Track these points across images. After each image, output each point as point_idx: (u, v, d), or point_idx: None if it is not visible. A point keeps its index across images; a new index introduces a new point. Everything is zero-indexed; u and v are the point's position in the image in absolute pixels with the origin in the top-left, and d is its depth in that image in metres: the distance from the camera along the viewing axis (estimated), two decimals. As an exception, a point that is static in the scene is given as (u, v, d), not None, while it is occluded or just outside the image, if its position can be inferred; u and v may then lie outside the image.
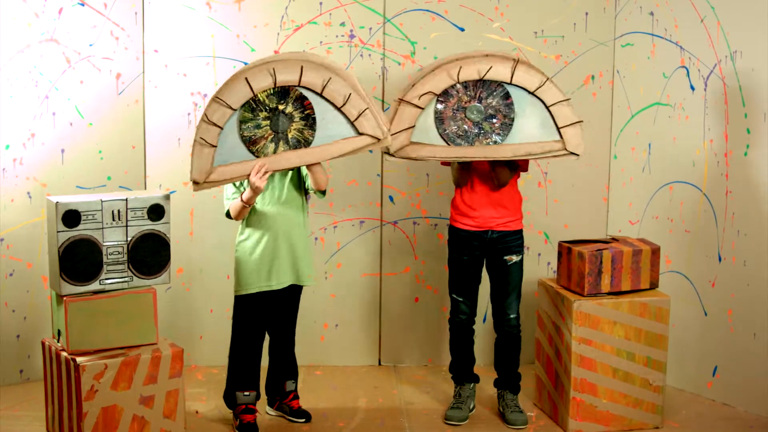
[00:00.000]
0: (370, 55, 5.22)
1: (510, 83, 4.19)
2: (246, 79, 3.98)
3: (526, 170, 4.48)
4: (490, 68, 4.18)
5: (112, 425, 3.93)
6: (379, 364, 5.42)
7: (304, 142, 4.05)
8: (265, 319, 4.37)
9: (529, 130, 4.20)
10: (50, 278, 4.08)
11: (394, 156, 4.23)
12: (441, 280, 5.34)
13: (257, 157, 4.02)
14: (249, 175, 4.01)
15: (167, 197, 4.08)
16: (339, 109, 4.05)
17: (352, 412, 4.68)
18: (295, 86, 4.02)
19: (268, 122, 4.02)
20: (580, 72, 5.24)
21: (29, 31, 4.84)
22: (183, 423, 4.11)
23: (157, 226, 4.09)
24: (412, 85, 4.23)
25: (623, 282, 4.41)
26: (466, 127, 4.19)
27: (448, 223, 4.55)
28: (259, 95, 4.00)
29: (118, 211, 4.01)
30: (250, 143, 4.02)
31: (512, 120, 4.18)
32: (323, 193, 4.27)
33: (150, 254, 4.06)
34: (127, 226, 4.03)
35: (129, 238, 4.05)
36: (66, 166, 4.99)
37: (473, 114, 4.19)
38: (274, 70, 3.99)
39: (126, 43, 5.10)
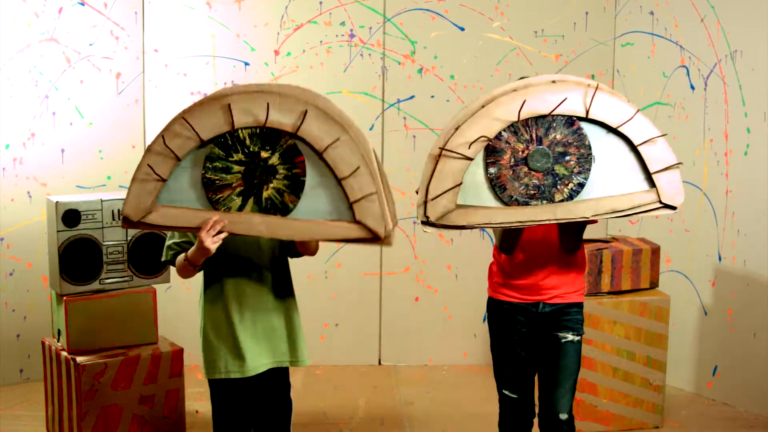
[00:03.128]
0: (370, 54, 5.21)
1: (585, 118, 3.08)
2: (228, 105, 2.99)
3: (596, 221, 3.37)
4: (565, 100, 3.07)
5: (112, 425, 3.93)
6: (379, 364, 5.42)
7: (280, 208, 3.02)
8: (247, 413, 3.35)
9: (610, 178, 3.12)
10: (50, 278, 4.08)
11: (435, 225, 3.12)
12: (441, 280, 5.34)
13: (215, 209, 3.02)
14: (200, 229, 3.01)
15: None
16: (339, 181, 3.01)
17: (352, 412, 4.68)
18: (289, 134, 3.00)
19: (241, 168, 3.00)
20: (580, 71, 5.23)
21: (29, 31, 4.84)
22: (183, 423, 4.11)
23: (157, 226, 4.08)
24: (456, 128, 3.11)
25: (623, 281, 4.41)
26: (536, 181, 3.09)
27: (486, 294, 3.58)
28: (240, 131, 3.00)
29: (118, 210, 4.01)
30: (211, 189, 3.01)
31: (589, 150, 3.08)
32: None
33: (150, 254, 4.06)
34: (127, 225, 4.03)
35: (129, 238, 4.05)
36: (66, 166, 4.99)
37: (539, 162, 3.09)
38: (268, 105, 2.98)
39: (126, 43, 5.10)
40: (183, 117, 2.99)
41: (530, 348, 3.42)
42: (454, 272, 5.35)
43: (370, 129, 5.25)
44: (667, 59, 4.99)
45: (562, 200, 3.08)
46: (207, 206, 3.02)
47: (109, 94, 5.08)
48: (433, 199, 3.10)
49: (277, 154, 3.00)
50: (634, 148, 3.09)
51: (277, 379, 3.31)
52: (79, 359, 3.89)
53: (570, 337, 3.38)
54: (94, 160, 5.06)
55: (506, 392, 3.46)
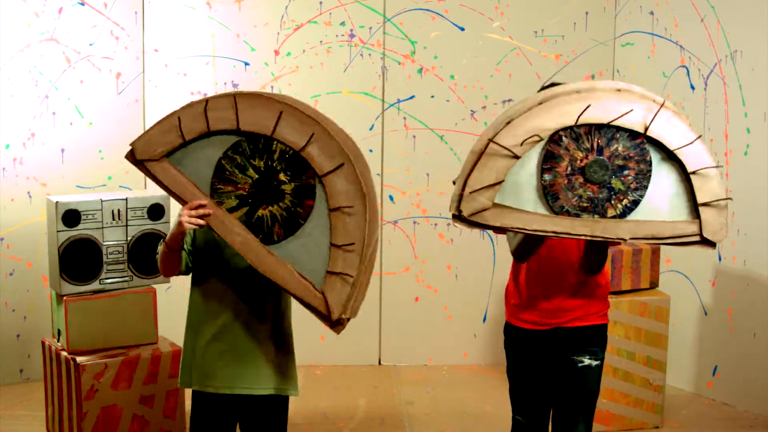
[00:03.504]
0: (370, 54, 5.21)
1: (644, 133, 2.88)
2: (280, 114, 2.82)
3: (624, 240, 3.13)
4: (630, 111, 2.86)
5: (112, 425, 3.93)
6: (379, 364, 5.42)
7: (265, 233, 2.84)
8: None
9: (656, 202, 2.91)
10: (50, 278, 4.08)
11: (466, 221, 2.90)
12: (441, 280, 5.34)
13: (210, 195, 2.87)
14: (186, 203, 2.86)
15: (167, 197, 4.07)
16: (330, 245, 2.81)
17: (352, 412, 4.68)
18: (315, 174, 2.81)
19: (255, 176, 2.85)
20: (580, 71, 5.23)
21: (29, 31, 4.84)
22: (183, 423, 4.11)
23: (157, 226, 4.09)
24: (508, 122, 2.88)
25: (623, 281, 4.41)
26: (590, 193, 2.89)
27: (504, 319, 3.39)
28: (276, 143, 2.83)
29: (118, 210, 4.01)
30: (218, 176, 2.87)
31: (650, 167, 2.88)
32: None
33: (150, 254, 4.06)
34: (127, 225, 4.04)
35: (129, 238, 4.05)
36: (66, 166, 4.99)
37: (596, 173, 2.88)
38: (312, 136, 2.81)
39: (126, 43, 5.10)
40: (236, 95, 2.85)
41: (547, 373, 3.26)
42: (454, 272, 5.35)
43: (370, 129, 5.25)
44: (667, 59, 4.99)
45: (614, 216, 2.89)
46: (207, 190, 2.87)
47: (109, 94, 5.08)
48: (471, 193, 2.88)
49: (293, 185, 2.82)
50: (685, 175, 2.89)
51: (272, 405, 3.07)
52: (79, 359, 3.89)
53: (587, 361, 3.22)
54: (94, 160, 5.06)
55: (519, 418, 3.32)
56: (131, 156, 2.92)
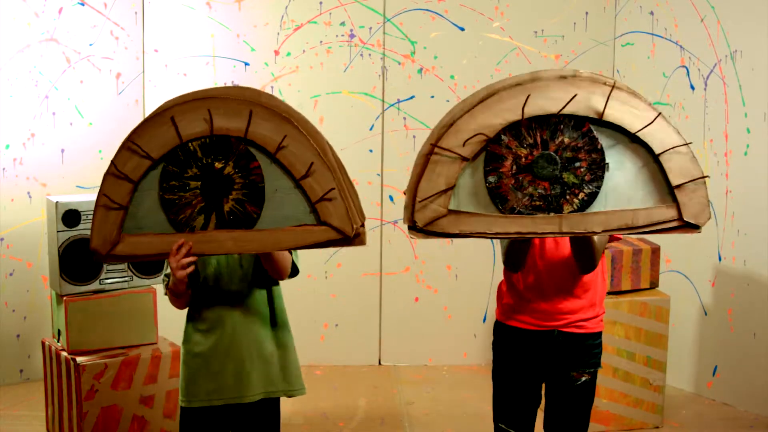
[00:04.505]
0: (370, 54, 5.21)
1: (600, 119, 2.70)
2: (172, 118, 2.80)
3: (619, 238, 3.14)
4: (575, 97, 2.69)
5: (112, 425, 3.93)
6: (379, 364, 5.42)
7: (244, 221, 2.81)
8: None
9: (625, 190, 2.76)
10: (50, 278, 4.08)
11: (423, 232, 2.81)
12: (441, 280, 5.34)
13: (180, 230, 2.81)
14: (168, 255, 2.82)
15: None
16: (297, 182, 2.79)
17: (352, 412, 4.68)
18: (239, 139, 2.78)
19: (198, 184, 2.79)
20: (580, 72, 5.23)
21: (29, 31, 4.84)
22: (183, 423, 4.11)
23: (157, 226, 4.09)
24: (451, 124, 2.74)
25: (623, 281, 4.41)
26: (541, 191, 2.74)
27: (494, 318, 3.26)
28: (190, 144, 2.79)
29: (118, 210, 4.01)
30: (171, 210, 2.80)
31: (602, 155, 2.72)
32: (292, 273, 3.05)
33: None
34: (127, 225, 4.03)
35: (129, 238, 4.05)
36: (66, 166, 4.99)
37: (545, 169, 2.73)
38: (210, 111, 2.78)
39: (126, 43, 5.10)
40: (130, 139, 2.81)
41: (538, 381, 3.11)
42: (454, 272, 5.35)
43: (370, 129, 5.25)
44: (667, 59, 4.99)
45: (571, 212, 2.73)
46: (172, 229, 2.82)
47: (109, 94, 5.08)
48: (421, 202, 2.78)
49: (231, 163, 2.78)
50: (653, 157, 2.72)
51: (266, 411, 3.06)
52: (79, 359, 3.89)
53: (584, 378, 3.08)
54: (94, 160, 5.06)
55: (503, 426, 3.13)
56: (99, 256, 2.86)
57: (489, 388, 4.70)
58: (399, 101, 5.25)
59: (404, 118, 5.26)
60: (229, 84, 5.13)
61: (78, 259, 3.95)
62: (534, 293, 3.05)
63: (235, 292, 3.00)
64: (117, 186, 2.81)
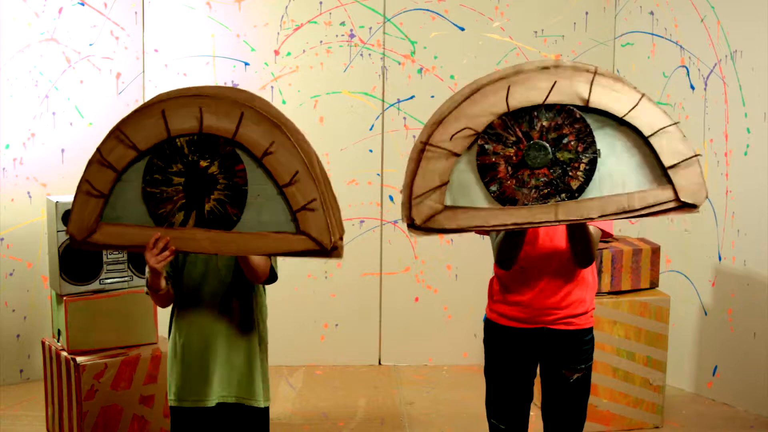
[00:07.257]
0: (370, 54, 5.21)
1: (586, 107, 2.73)
2: (163, 112, 2.78)
3: (611, 235, 3.12)
4: (554, 85, 2.73)
5: (112, 425, 3.93)
6: (379, 364, 5.42)
7: (224, 222, 2.79)
8: None
9: (619, 175, 2.76)
10: (50, 278, 4.08)
11: (421, 229, 2.85)
12: (441, 280, 5.34)
13: (158, 225, 2.81)
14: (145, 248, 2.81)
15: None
16: (281, 189, 2.77)
17: (352, 412, 4.68)
18: (227, 140, 2.77)
19: (181, 180, 2.79)
20: (580, 72, 5.23)
21: (29, 31, 4.84)
22: (183, 423, 4.11)
23: (157, 226, 4.09)
24: (440, 122, 2.78)
25: (623, 281, 4.41)
26: (544, 178, 2.76)
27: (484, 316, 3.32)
28: (177, 139, 2.79)
29: (118, 210, 4.01)
30: (152, 203, 2.81)
31: (584, 122, 2.74)
32: (270, 279, 3.03)
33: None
34: (127, 225, 4.03)
35: (129, 238, 4.05)
36: (66, 166, 4.99)
37: (538, 158, 2.75)
38: (201, 109, 2.76)
39: (126, 43, 5.10)
40: (118, 128, 2.81)
41: (529, 377, 3.12)
42: (454, 272, 5.35)
43: (370, 129, 5.25)
44: (667, 59, 4.99)
45: (580, 185, 2.73)
46: (152, 222, 2.82)
47: (109, 94, 5.08)
48: (416, 199, 2.82)
49: (216, 163, 2.78)
50: (643, 140, 2.73)
51: (243, 418, 3.02)
52: (79, 359, 3.89)
53: (576, 375, 3.09)
54: (94, 160, 5.06)
55: (495, 422, 3.18)
56: (75, 242, 2.87)
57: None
58: (399, 101, 5.25)
59: (404, 118, 5.26)
60: (229, 84, 5.13)
61: (78, 259, 3.95)
62: (523, 290, 3.06)
63: (212, 294, 2.98)
64: (100, 174, 2.82)
